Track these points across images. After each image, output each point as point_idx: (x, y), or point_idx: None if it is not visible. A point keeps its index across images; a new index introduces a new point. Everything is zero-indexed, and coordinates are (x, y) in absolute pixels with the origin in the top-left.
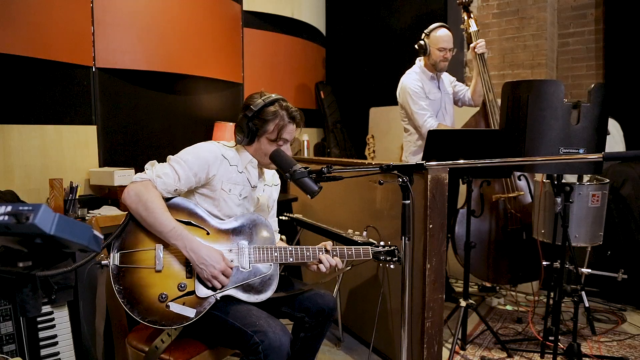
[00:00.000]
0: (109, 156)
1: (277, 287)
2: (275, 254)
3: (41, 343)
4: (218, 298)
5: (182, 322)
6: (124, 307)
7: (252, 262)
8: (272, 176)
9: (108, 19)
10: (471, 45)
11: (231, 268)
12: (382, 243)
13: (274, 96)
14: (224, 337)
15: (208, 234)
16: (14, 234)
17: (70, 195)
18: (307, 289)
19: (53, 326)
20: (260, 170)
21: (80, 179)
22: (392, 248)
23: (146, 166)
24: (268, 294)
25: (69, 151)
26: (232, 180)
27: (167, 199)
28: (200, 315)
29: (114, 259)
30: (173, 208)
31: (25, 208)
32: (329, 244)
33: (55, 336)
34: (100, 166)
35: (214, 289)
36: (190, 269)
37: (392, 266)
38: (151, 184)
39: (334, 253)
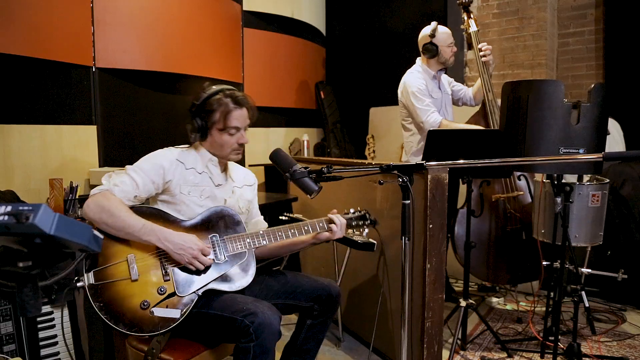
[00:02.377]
0: (109, 156)
1: (272, 283)
2: (248, 240)
3: (41, 343)
4: (200, 294)
5: (170, 325)
6: (109, 324)
7: (227, 252)
8: (243, 176)
9: (108, 19)
10: (480, 46)
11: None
12: (351, 210)
13: (217, 87)
14: (216, 331)
15: None
16: (14, 234)
17: (70, 195)
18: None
19: (53, 326)
20: (224, 167)
21: (80, 179)
22: (362, 212)
23: (103, 178)
24: (248, 279)
25: (69, 151)
26: (189, 182)
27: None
28: (186, 314)
29: (88, 278)
30: (139, 215)
31: (25, 208)
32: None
33: (55, 336)
34: (100, 166)
35: (193, 286)
36: (166, 271)
37: (366, 230)
38: (110, 192)
39: (306, 228)
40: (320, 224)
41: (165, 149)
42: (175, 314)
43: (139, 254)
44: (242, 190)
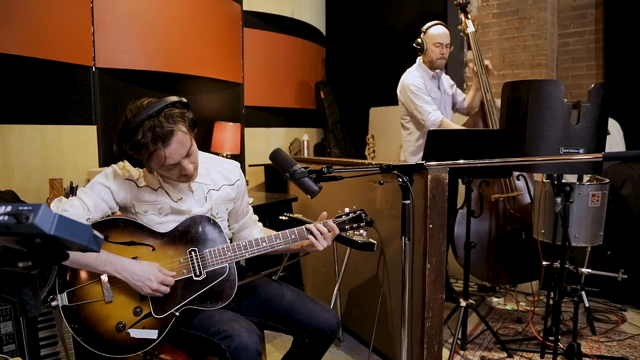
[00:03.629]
0: (109, 156)
1: (266, 302)
2: (229, 254)
3: (41, 343)
4: (177, 314)
5: (148, 345)
6: (85, 346)
7: (206, 268)
8: (223, 174)
9: (108, 19)
10: (485, 62)
11: (173, 276)
12: (346, 210)
13: (139, 117)
14: (196, 348)
15: (154, 249)
16: (14, 234)
17: (70, 195)
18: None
19: (53, 326)
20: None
21: (80, 179)
22: (357, 213)
23: (52, 203)
24: (228, 298)
25: (69, 151)
26: (144, 200)
27: (102, 221)
28: (165, 333)
29: (62, 299)
30: (113, 230)
31: (25, 208)
32: (312, 225)
33: (55, 336)
34: (100, 166)
35: (170, 306)
36: None
37: (362, 232)
38: None
39: (293, 237)
40: (308, 230)
41: (117, 165)
42: (152, 334)
43: None
44: (220, 192)
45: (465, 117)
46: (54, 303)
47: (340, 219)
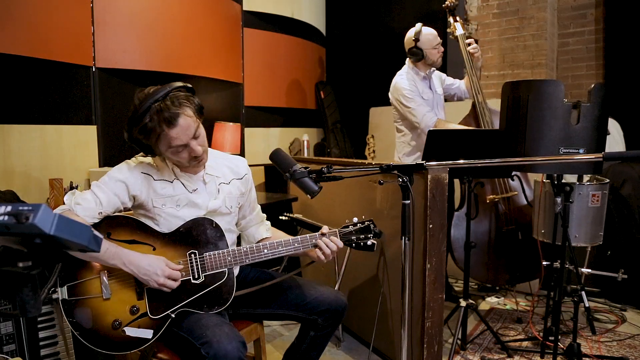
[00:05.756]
0: (109, 156)
1: (276, 292)
2: (229, 259)
3: (41, 343)
4: (173, 316)
5: (142, 344)
6: (82, 340)
7: (205, 271)
8: (231, 169)
9: (108, 19)
10: (468, 48)
11: (179, 271)
12: (355, 219)
13: (146, 102)
14: (182, 350)
15: (154, 249)
16: (14, 234)
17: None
18: (277, 281)
19: (53, 326)
20: (197, 170)
21: (80, 179)
22: (365, 224)
23: (65, 197)
24: (225, 304)
25: (69, 151)
26: (161, 194)
27: (105, 219)
28: (160, 334)
29: (62, 293)
30: (114, 228)
31: (25, 208)
32: (321, 232)
33: (55, 336)
34: (100, 166)
35: (166, 307)
36: (140, 290)
37: (369, 242)
38: (71, 212)
39: (296, 246)
40: (313, 240)
41: (132, 160)
42: (147, 334)
43: (113, 270)
44: (231, 186)
45: (464, 111)
46: (54, 296)
47: (347, 229)
